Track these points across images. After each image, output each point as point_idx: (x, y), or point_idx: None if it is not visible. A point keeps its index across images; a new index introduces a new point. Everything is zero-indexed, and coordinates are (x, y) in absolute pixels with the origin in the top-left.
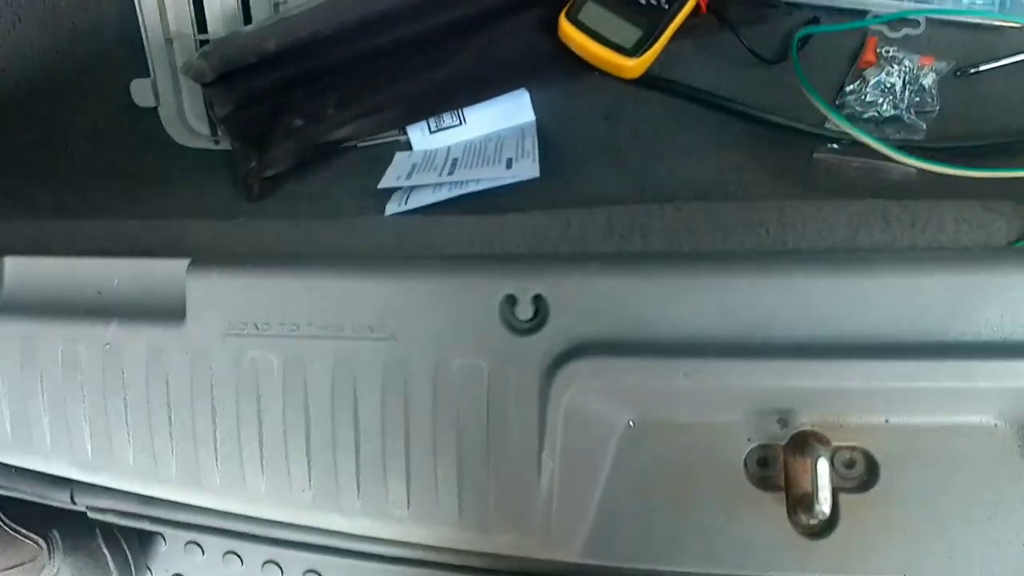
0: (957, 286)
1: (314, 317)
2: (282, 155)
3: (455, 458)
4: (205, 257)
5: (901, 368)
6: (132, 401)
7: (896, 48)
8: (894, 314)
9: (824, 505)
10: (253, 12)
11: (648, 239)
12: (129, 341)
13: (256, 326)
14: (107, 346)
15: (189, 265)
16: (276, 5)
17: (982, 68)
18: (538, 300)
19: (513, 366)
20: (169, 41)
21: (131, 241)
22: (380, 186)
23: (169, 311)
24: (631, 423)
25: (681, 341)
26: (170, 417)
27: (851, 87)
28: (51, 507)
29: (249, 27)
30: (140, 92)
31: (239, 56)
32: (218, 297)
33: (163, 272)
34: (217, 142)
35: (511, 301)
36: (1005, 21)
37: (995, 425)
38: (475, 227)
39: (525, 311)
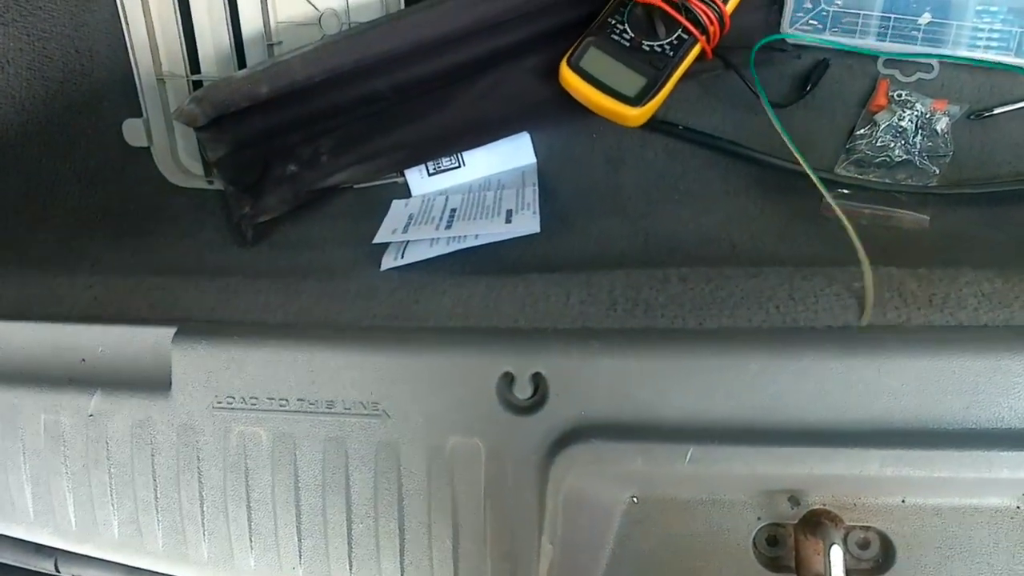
0: (978, 370)
1: (304, 392)
2: (276, 202)
3: (451, 541)
4: (192, 327)
5: (918, 457)
6: (116, 473)
7: (908, 92)
8: (911, 398)
9: None
10: (247, 53)
11: (651, 314)
12: (113, 412)
13: (244, 400)
14: (91, 417)
15: (175, 335)
16: (270, 46)
17: (996, 111)
18: (537, 379)
19: (511, 447)
20: (162, 81)
21: (117, 302)
22: (375, 241)
23: (154, 382)
24: (635, 499)
25: (686, 424)
26: (156, 490)
27: (862, 131)
28: (36, 573)
29: (242, 71)
30: (132, 132)
31: (231, 101)
32: (205, 369)
33: (149, 341)
34: (211, 182)
35: (509, 379)
36: (1020, 62)
37: (1017, 508)
38: (471, 294)
39: (524, 390)
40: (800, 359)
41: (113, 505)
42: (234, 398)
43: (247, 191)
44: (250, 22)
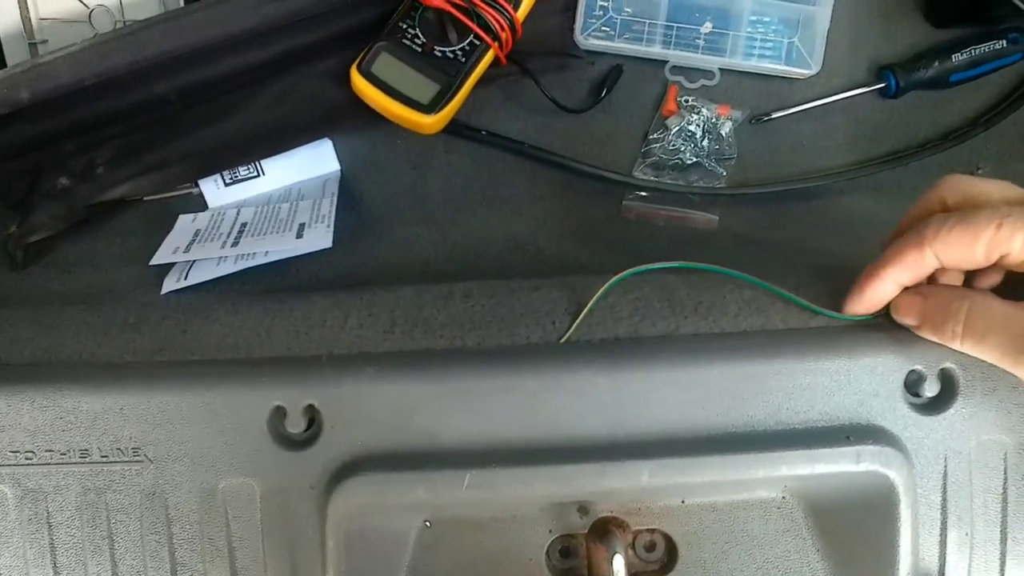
0: (736, 376)
1: (53, 441)
2: (47, 219)
3: None
4: None
5: (683, 464)
6: None
7: (695, 97)
8: (679, 406)
9: None
10: (6, 52)
11: (431, 335)
12: None
13: None
14: None
15: None
16: (32, 45)
17: (774, 116)
18: (311, 411)
19: (287, 485)
20: None
21: None
22: (154, 262)
23: None
24: (427, 523)
25: (466, 447)
26: None
27: (655, 135)
28: None
29: None
30: None
31: None
32: None
33: None
34: None
35: (281, 413)
36: (791, 72)
37: (783, 498)
38: (244, 321)
39: (296, 424)
40: (575, 374)
41: None
42: None
43: (14, 208)
44: (7, 17)
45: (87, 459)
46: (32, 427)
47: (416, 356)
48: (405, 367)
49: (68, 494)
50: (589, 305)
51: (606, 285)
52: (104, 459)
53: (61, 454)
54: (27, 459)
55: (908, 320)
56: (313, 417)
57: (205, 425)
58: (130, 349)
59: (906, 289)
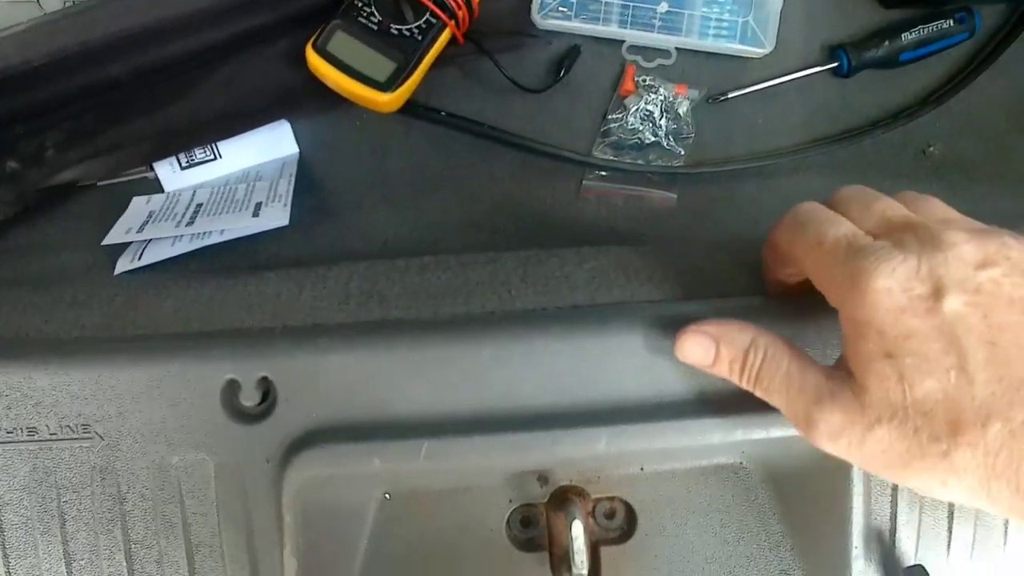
0: None
1: None
2: None
3: (186, 566)
4: None
5: (643, 431)
6: None
7: (652, 77)
8: (636, 372)
9: (581, 566)
10: None
11: (386, 305)
12: None
13: None
14: None
15: None
16: None
17: (730, 95)
18: (265, 383)
19: (241, 458)
20: None
21: None
22: (106, 242)
23: None
24: (387, 495)
25: (422, 417)
26: None
27: (614, 115)
28: None
29: None
30: None
31: None
32: None
33: None
34: None
35: (234, 386)
36: (745, 51)
37: (741, 464)
38: (196, 297)
39: (250, 397)
40: (530, 342)
41: None
42: None
43: None
44: None
45: (35, 437)
46: None
47: (371, 327)
48: (359, 338)
49: (16, 473)
50: None
51: None
52: (53, 436)
53: (8, 432)
54: None
55: (696, 362)
56: (267, 390)
57: (156, 400)
58: (78, 325)
59: (697, 327)
